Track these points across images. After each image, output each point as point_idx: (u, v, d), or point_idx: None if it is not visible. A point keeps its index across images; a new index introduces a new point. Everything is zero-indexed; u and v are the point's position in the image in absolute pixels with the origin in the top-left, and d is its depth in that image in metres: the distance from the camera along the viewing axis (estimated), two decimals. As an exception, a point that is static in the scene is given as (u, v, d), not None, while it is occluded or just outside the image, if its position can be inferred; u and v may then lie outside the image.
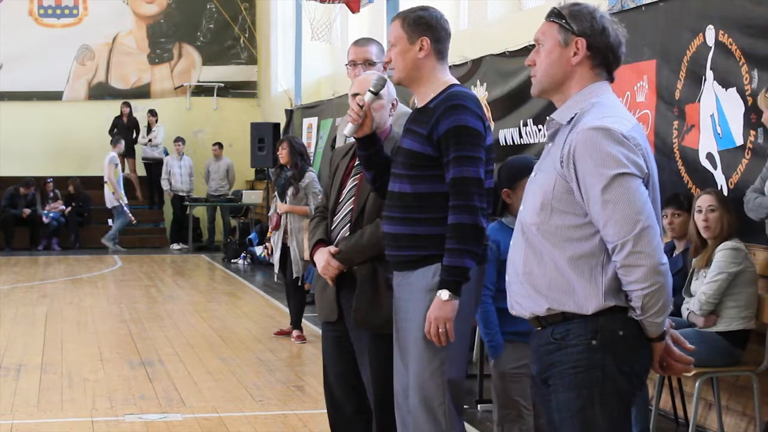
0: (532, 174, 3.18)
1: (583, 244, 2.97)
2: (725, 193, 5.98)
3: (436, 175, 3.91)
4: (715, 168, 6.16)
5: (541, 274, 3.04)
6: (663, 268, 2.91)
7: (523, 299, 3.10)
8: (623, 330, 2.97)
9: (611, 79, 3.14)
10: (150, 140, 19.38)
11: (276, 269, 9.61)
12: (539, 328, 3.09)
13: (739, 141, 5.94)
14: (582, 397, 2.98)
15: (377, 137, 4.17)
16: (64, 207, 18.47)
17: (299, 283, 9.04)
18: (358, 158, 4.31)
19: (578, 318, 2.98)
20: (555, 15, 3.11)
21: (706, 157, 6.26)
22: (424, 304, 3.90)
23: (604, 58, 3.09)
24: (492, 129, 9.19)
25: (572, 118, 3.05)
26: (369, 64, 4.80)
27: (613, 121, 2.96)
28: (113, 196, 18.05)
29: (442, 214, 3.89)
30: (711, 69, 6.20)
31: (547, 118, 3.15)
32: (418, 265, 3.95)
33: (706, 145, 6.25)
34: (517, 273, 3.11)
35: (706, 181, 6.21)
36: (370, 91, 4.14)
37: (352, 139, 4.25)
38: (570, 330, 3.00)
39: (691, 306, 5.62)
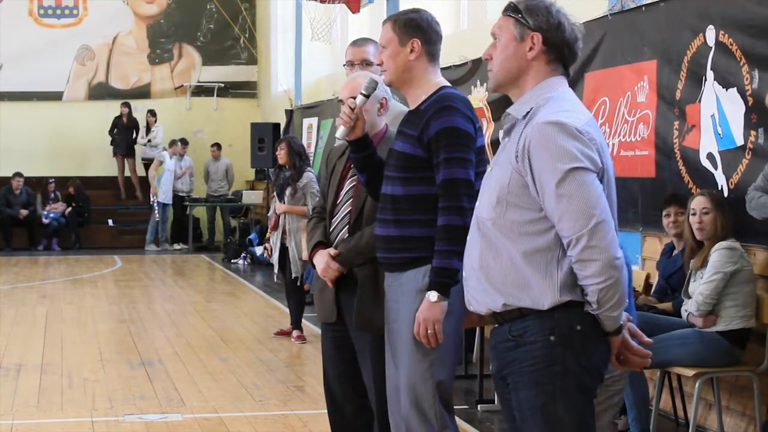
0: (489, 169, 3.18)
1: (538, 238, 2.97)
2: (725, 193, 5.98)
3: (428, 177, 3.91)
4: (716, 168, 6.15)
5: (496, 268, 3.03)
6: (618, 262, 2.90)
7: (480, 294, 3.09)
8: (580, 324, 2.96)
9: (567, 75, 3.14)
10: (149, 140, 19.38)
11: (275, 269, 9.61)
12: (497, 325, 3.08)
13: (739, 141, 5.93)
14: (543, 394, 2.96)
15: (370, 140, 4.16)
16: (64, 207, 18.46)
17: (298, 283, 9.04)
18: (351, 161, 4.30)
19: (534, 314, 2.97)
20: (511, 9, 3.11)
21: (707, 158, 6.25)
22: (414, 305, 3.89)
23: (560, 53, 3.09)
24: (487, 130, 9.31)
25: (528, 113, 3.04)
26: (366, 64, 4.78)
27: (568, 116, 2.96)
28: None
29: (434, 216, 3.88)
30: (711, 69, 6.19)
31: (504, 112, 3.15)
32: (408, 266, 3.95)
33: (707, 145, 6.25)
34: (473, 268, 3.11)
35: (706, 181, 6.21)
36: (361, 93, 4.13)
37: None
38: (527, 327, 2.98)
39: (689, 307, 5.62)
